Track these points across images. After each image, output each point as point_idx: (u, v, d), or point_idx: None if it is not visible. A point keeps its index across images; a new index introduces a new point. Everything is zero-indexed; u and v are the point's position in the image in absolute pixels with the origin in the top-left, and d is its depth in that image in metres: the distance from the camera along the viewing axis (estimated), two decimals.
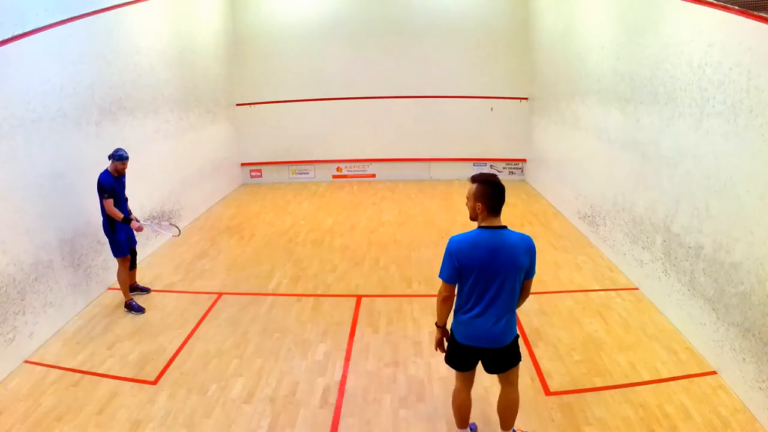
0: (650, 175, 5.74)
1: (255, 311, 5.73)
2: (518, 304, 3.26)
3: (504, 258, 3.06)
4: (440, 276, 3.22)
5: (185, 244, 7.96)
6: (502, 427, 3.54)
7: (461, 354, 3.32)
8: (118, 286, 6.39)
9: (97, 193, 5.50)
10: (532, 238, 3.18)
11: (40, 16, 5.26)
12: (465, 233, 3.18)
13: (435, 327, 3.42)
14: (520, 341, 3.82)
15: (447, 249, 3.17)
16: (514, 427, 3.57)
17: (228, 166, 11.37)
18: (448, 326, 3.40)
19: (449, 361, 3.43)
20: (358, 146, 12.02)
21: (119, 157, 5.53)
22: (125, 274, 5.81)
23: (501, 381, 3.45)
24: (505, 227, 3.12)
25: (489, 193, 3.06)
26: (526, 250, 3.10)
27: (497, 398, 3.55)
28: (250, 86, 11.77)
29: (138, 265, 7.03)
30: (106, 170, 5.54)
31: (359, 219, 9.18)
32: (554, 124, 9.67)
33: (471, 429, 3.72)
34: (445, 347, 3.43)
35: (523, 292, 3.24)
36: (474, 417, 3.78)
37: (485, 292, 3.12)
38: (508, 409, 3.47)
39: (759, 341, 3.82)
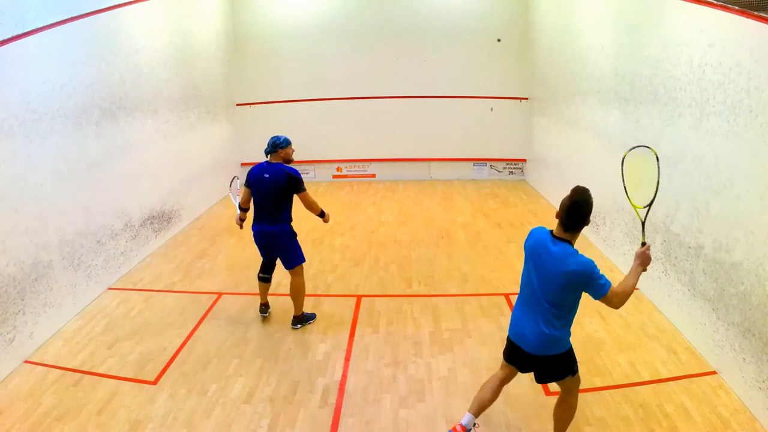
0: None
1: (255, 311, 5.72)
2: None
3: (538, 263, 3.22)
4: None
5: (185, 244, 7.96)
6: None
7: (507, 342, 3.49)
8: (119, 286, 6.39)
9: (278, 191, 5.19)
10: (587, 266, 3.11)
11: (40, 16, 5.26)
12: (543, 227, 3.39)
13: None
14: None
15: None
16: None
17: (228, 166, 11.34)
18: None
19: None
20: (358, 146, 12.01)
21: (286, 142, 5.24)
22: (303, 283, 5.26)
23: (558, 385, 3.48)
24: (563, 240, 3.19)
25: (563, 205, 3.22)
26: (564, 272, 3.10)
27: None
28: (250, 86, 11.75)
29: (137, 266, 7.07)
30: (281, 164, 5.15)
31: (359, 219, 9.17)
32: (554, 124, 9.66)
33: (469, 429, 3.70)
34: None
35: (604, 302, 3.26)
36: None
37: (523, 285, 3.37)
38: (557, 413, 3.49)
39: (759, 341, 3.82)
